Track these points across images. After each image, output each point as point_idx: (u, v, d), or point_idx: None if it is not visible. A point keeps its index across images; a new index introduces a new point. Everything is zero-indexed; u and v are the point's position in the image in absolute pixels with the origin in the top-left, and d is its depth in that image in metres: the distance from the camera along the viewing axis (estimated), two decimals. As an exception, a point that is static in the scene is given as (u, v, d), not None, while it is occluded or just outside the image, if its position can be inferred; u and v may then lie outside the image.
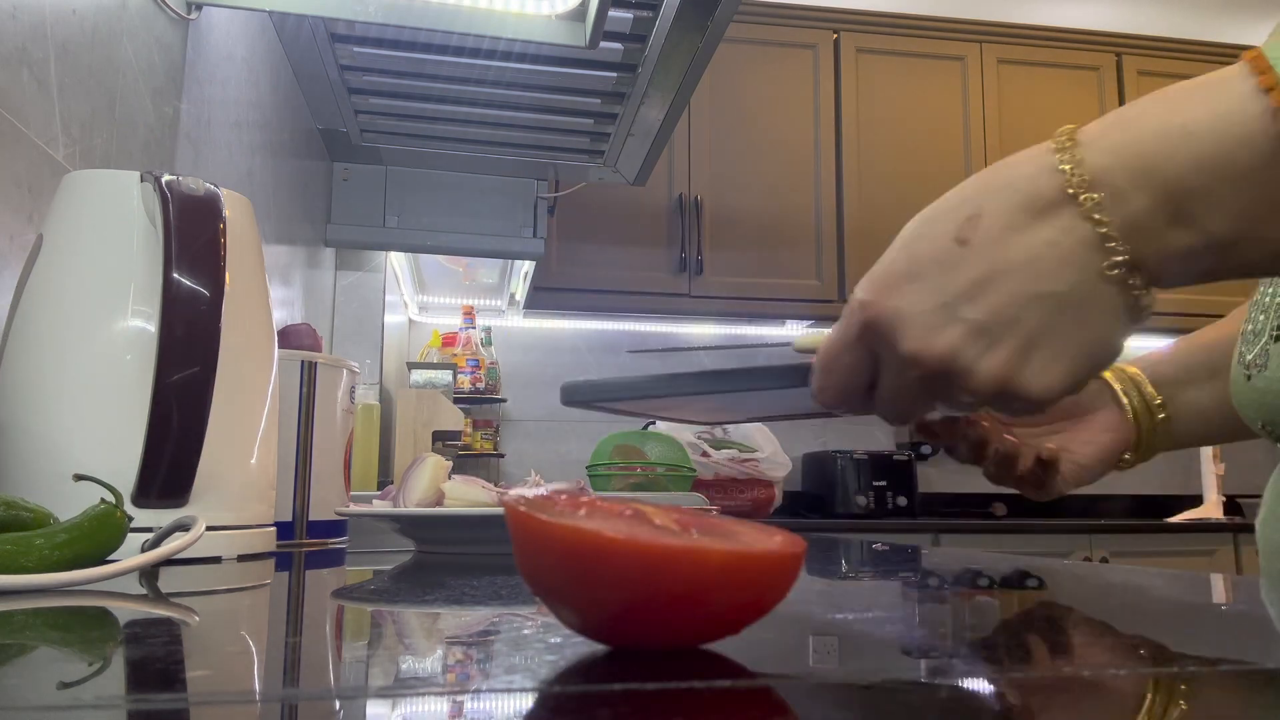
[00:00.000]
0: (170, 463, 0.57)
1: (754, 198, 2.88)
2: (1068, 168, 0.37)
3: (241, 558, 0.65)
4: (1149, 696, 0.23)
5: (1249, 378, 0.61)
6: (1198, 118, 0.35)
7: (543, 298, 2.76)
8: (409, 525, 0.73)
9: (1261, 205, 0.35)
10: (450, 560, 0.66)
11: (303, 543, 0.87)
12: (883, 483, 2.78)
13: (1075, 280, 0.37)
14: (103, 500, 0.50)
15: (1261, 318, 0.61)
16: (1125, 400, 0.66)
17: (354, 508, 0.77)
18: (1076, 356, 0.38)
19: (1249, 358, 0.61)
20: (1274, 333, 0.59)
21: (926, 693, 0.23)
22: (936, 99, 3.01)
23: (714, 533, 0.29)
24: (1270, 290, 0.62)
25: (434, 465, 0.75)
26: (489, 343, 3.00)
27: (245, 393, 0.67)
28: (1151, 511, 3.01)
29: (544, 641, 0.30)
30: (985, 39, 3.06)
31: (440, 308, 3.11)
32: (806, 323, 3.11)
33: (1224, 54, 3.15)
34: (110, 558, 0.49)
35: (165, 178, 0.60)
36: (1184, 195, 0.35)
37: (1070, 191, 0.37)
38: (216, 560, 0.63)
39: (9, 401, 0.60)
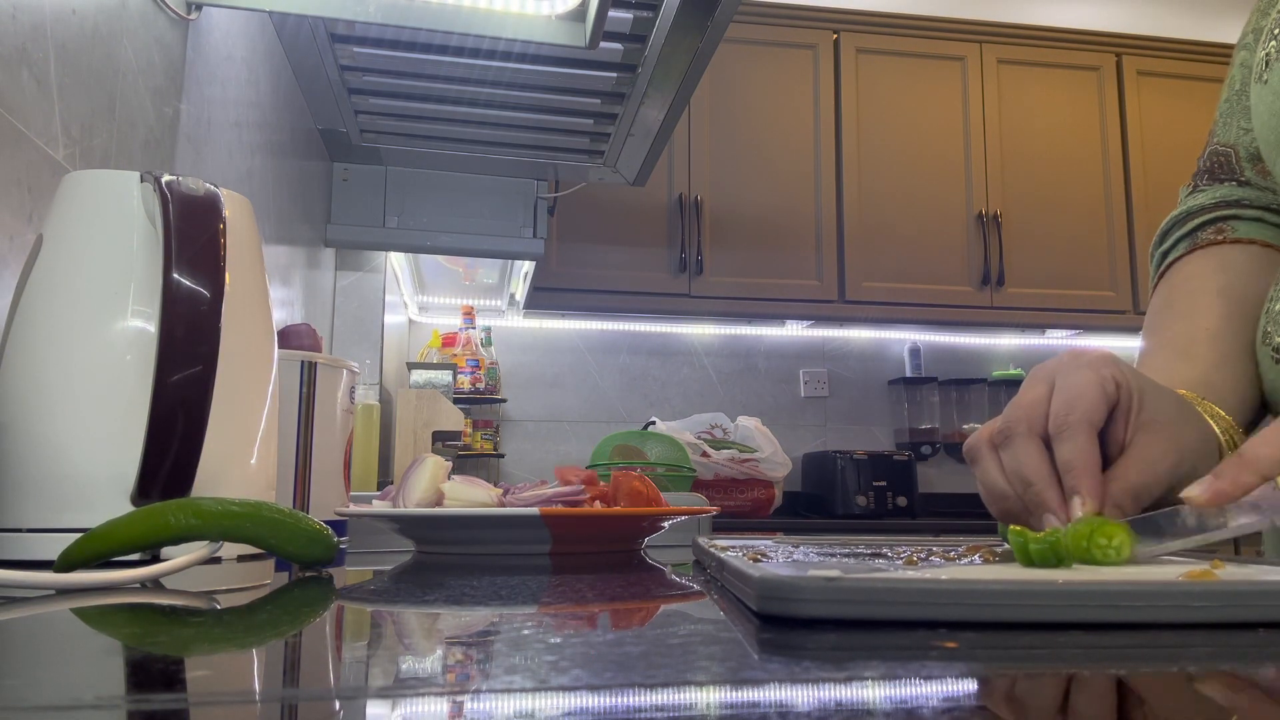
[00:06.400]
0: (170, 463, 0.57)
1: (754, 198, 2.88)
2: None
3: (241, 558, 0.65)
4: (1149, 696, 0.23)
5: (1278, 361, 0.61)
6: None
7: (543, 298, 2.76)
8: (409, 525, 0.73)
9: None
10: (450, 560, 0.66)
11: (303, 543, 0.87)
12: (883, 483, 2.78)
13: None
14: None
15: None
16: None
17: (354, 508, 0.77)
18: None
19: (1278, 340, 0.62)
20: None
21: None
22: (936, 99, 3.01)
23: None
24: None
25: (434, 465, 0.75)
26: (489, 343, 3.01)
27: (245, 393, 0.67)
28: (1151, 511, 3.00)
29: (544, 641, 0.30)
30: (985, 39, 3.06)
31: (440, 308, 3.11)
32: (806, 323, 3.11)
33: (1224, 54, 3.15)
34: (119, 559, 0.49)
35: (165, 178, 0.60)
36: None
37: None
38: (216, 560, 0.63)
39: (9, 401, 0.60)
